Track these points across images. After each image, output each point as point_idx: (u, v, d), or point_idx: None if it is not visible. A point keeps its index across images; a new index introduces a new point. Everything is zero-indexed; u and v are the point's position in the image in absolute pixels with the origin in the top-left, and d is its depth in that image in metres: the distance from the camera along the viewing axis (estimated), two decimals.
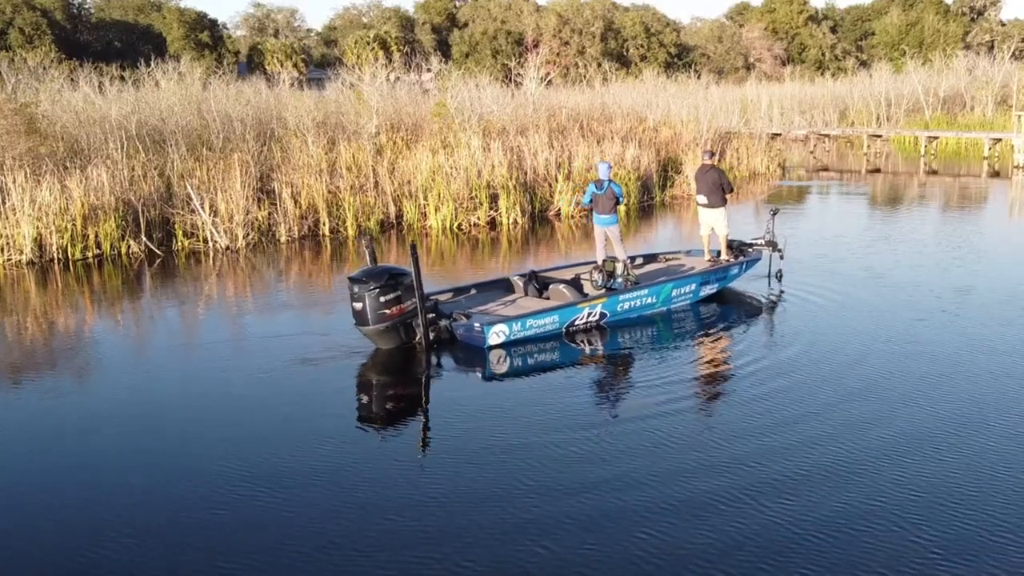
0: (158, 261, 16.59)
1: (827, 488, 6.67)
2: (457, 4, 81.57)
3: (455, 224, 19.62)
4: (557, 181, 21.63)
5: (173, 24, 61.65)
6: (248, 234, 17.96)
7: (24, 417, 8.83)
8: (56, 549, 6.09)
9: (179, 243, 17.61)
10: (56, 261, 16.41)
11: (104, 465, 7.51)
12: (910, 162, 35.06)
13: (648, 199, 23.68)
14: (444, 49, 64.16)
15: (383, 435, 8.27)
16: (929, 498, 6.49)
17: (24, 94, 21.29)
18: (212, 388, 9.50)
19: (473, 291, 11.92)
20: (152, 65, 26.44)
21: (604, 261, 12.01)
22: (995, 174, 30.35)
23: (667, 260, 13.73)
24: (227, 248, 17.56)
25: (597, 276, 11.81)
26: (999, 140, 35.00)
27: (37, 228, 16.37)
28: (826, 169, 33.13)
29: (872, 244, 16.98)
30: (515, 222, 20.16)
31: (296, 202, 18.86)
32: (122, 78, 26.70)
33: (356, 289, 9.90)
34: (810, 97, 45.82)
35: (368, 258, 10.45)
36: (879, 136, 39.31)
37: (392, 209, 20.01)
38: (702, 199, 13.21)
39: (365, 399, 9.48)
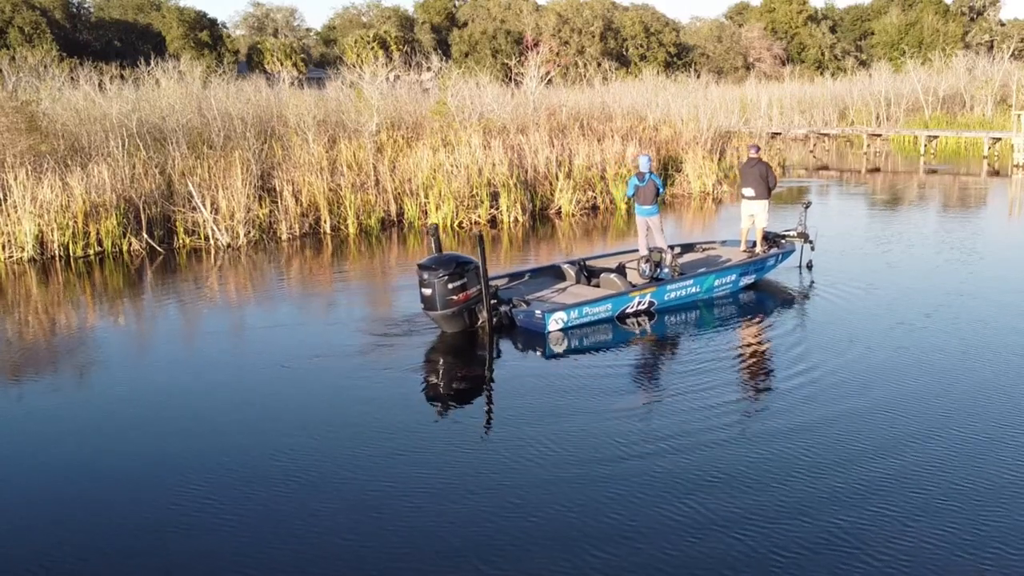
0: (159, 258, 16.59)
1: (898, 484, 6.73)
2: (457, 4, 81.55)
3: (456, 222, 19.63)
4: (558, 179, 21.64)
5: (172, 23, 61.59)
6: (249, 232, 17.97)
7: (27, 413, 8.84)
8: (57, 551, 6.06)
9: (180, 240, 17.62)
10: (57, 258, 16.42)
11: (105, 461, 7.52)
12: (910, 161, 35.09)
13: None
14: (444, 49, 64.16)
15: (454, 413, 8.71)
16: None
17: (25, 92, 21.30)
18: (242, 380, 9.54)
19: (527, 277, 12.55)
20: (152, 64, 26.42)
21: (651, 251, 12.48)
22: (995, 173, 30.38)
23: (704, 250, 14.25)
24: (228, 246, 17.57)
25: (645, 266, 12.31)
26: (999, 139, 35.04)
27: (38, 225, 16.38)
28: (826, 168, 33.16)
29: (879, 239, 17.00)
30: (516, 220, 20.17)
31: (297, 200, 18.88)
32: (122, 77, 26.69)
33: (425, 276, 10.32)
34: (810, 96, 45.88)
35: (434, 247, 10.89)
36: (879, 135, 39.34)
37: (393, 207, 20.03)
38: (748, 191, 13.60)
39: (433, 380, 9.76)
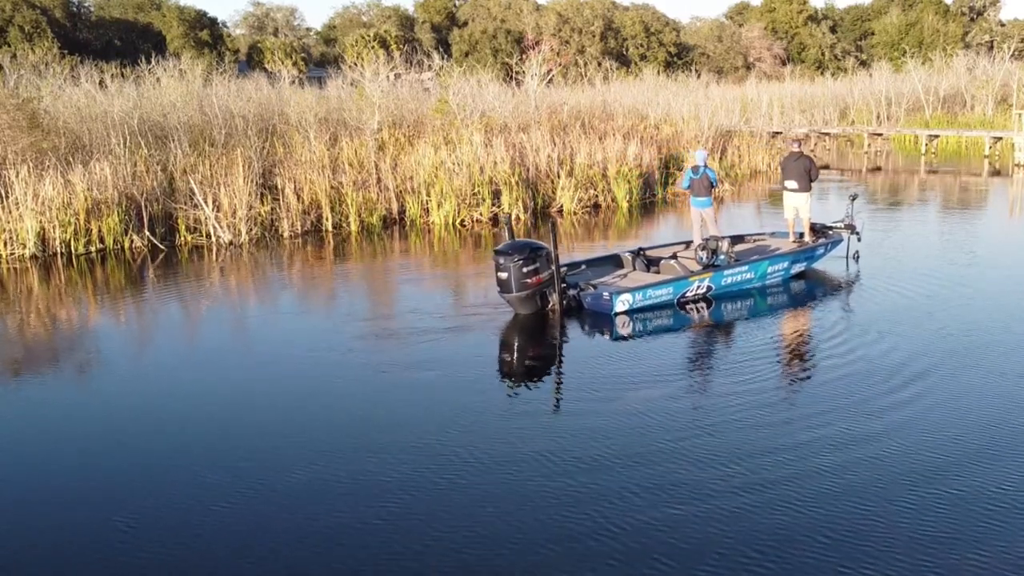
0: (161, 256, 16.58)
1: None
2: (457, 3, 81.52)
3: (458, 220, 19.62)
4: (559, 177, 21.63)
5: (173, 22, 61.50)
6: (251, 229, 17.95)
7: (27, 411, 8.83)
8: (57, 551, 6.01)
9: (182, 238, 17.60)
10: (59, 255, 16.40)
11: (106, 460, 7.50)
12: (911, 160, 35.07)
13: (650, 196, 23.66)
14: (444, 48, 64.09)
15: (526, 388, 9.23)
16: None
17: (26, 90, 21.26)
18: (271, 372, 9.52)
19: (583, 267, 12.91)
20: (152, 63, 26.39)
21: (707, 240, 12.88)
22: (996, 172, 30.36)
23: (755, 241, 14.70)
24: (230, 243, 17.55)
25: (702, 254, 12.71)
26: (999, 139, 35.03)
27: (40, 222, 16.36)
28: (827, 167, 33.08)
29: (901, 236, 17.02)
30: (517, 218, 20.13)
31: (299, 197, 18.86)
32: (123, 75, 26.66)
33: (502, 260, 10.98)
34: (810, 96, 45.79)
35: (507, 234, 11.73)
36: (879, 135, 39.32)
37: (395, 205, 20.01)
38: (792, 184, 13.93)
39: (507, 358, 10.40)
